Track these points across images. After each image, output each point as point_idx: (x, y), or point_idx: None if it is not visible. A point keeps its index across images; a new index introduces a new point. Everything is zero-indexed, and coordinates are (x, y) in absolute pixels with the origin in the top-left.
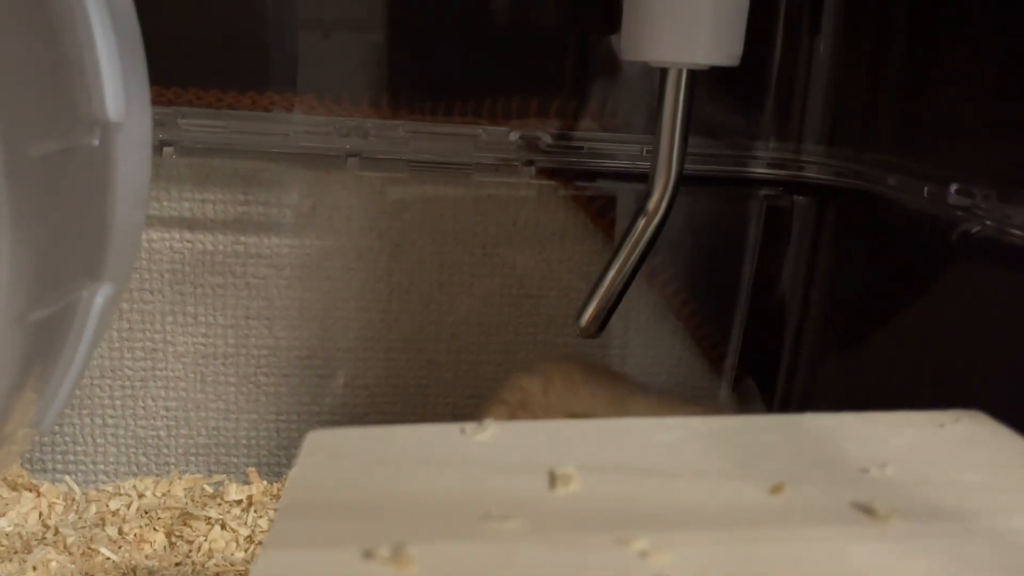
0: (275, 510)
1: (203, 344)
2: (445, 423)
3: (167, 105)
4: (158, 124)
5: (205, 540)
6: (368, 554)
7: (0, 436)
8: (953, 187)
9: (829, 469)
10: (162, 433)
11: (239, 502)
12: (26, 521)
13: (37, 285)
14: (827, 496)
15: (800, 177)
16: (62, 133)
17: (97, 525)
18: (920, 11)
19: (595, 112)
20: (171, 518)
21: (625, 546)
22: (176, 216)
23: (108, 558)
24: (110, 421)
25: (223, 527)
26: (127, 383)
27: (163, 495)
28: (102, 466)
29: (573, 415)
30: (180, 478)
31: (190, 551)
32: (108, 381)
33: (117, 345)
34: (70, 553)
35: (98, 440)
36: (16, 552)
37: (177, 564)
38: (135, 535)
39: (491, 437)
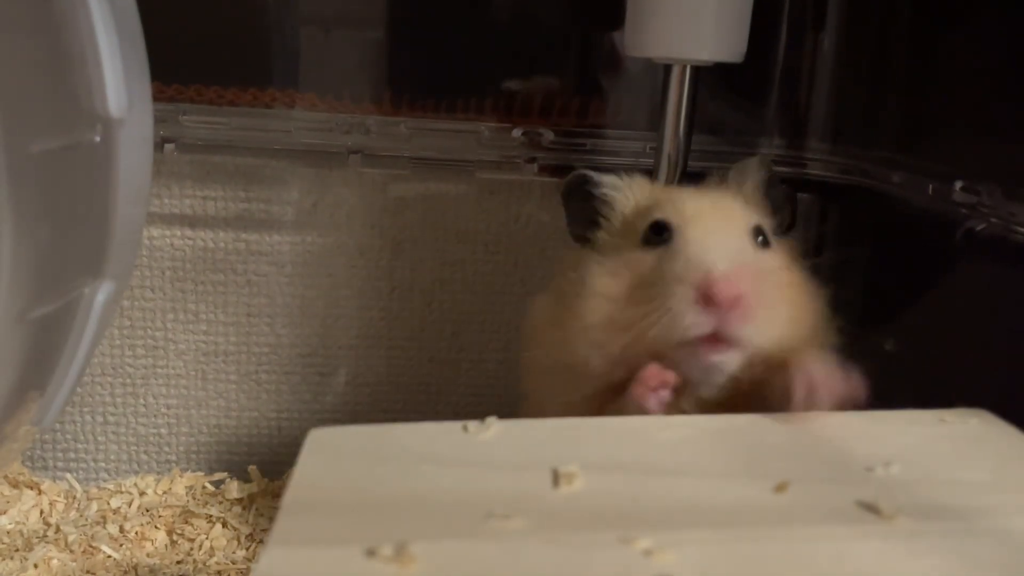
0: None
1: (204, 342)
2: (447, 421)
3: (168, 102)
4: (159, 121)
5: (206, 538)
6: (371, 552)
7: (2, 434)
8: (958, 184)
9: (834, 468)
10: (163, 431)
11: (240, 500)
12: (27, 519)
13: (38, 282)
14: (832, 495)
15: (803, 174)
16: (64, 130)
17: (98, 523)
18: (925, 7)
19: (598, 109)
20: (172, 516)
21: (628, 545)
22: (177, 213)
23: (109, 556)
24: (111, 419)
25: (224, 525)
26: (128, 381)
27: (164, 493)
28: (103, 464)
29: None
30: (181, 476)
31: (191, 549)
32: (109, 379)
33: (118, 343)
34: (71, 551)
35: (99, 438)
36: (17, 550)
37: (178, 562)
38: (136, 533)
39: (494, 435)
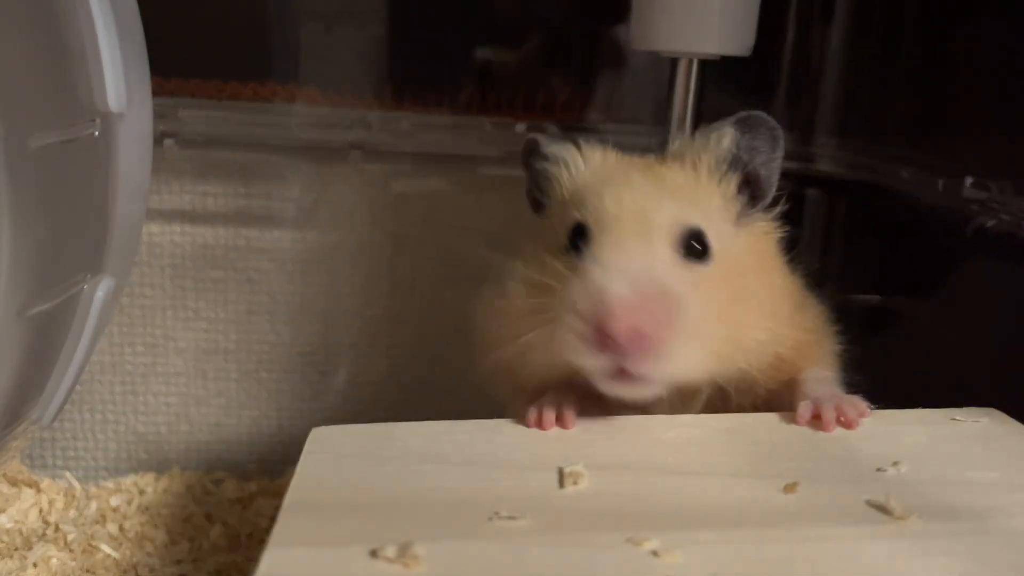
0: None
1: (204, 339)
2: (450, 420)
3: (168, 96)
4: (158, 115)
5: (206, 537)
6: (374, 553)
7: (3, 432)
8: (968, 180)
9: (843, 467)
10: (163, 429)
11: (240, 499)
12: (26, 518)
13: (38, 278)
14: (841, 495)
15: (811, 169)
16: (63, 124)
17: (98, 522)
18: (934, 1)
19: (603, 103)
20: (172, 515)
21: (636, 546)
22: (176, 209)
23: (109, 555)
24: (111, 417)
25: (224, 524)
26: (127, 379)
27: (164, 492)
28: (103, 462)
29: None
30: (181, 474)
31: (191, 548)
32: (108, 376)
33: (117, 340)
34: (71, 550)
35: (99, 436)
36: (17, 549)
37: (178, 561)
38: (136, 532)
39: (498, 435)
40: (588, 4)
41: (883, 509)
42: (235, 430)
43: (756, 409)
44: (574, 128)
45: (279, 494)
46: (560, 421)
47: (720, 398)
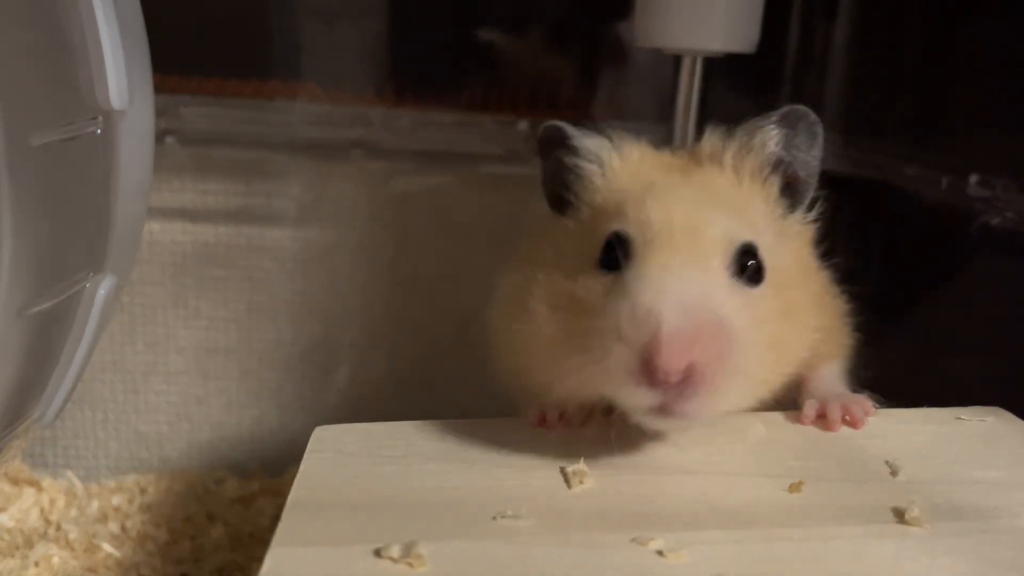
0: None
1: (205, 338)
2: (453, 419)
3: (169, 93)
4: (159, 113)
5: (208, 536)
6: (378, 552)
7: (5, 431)
8: (973, 178)
9: (848, 467)
10: (164, 428)
11: (241, 498)
12: (28, 517)
13: (39, 277)
14: (846, 494)
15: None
16: (65, 122)
17: (99, 521)
18: None
19: (606, 101)
20: (173, 514)
21: (641, 546)
22: (177, 207)
23: (111, 554)
24: (111, 416)
25: (225, 523)
26: (128, 377)
27: (165, 491)
28: (103, 461)
29: None
30: (182, 473)
31: (192, 547)
32: (109, 375)
33: (118, 339)
34: (72, 549)
35: (99, 435)
36: (18, 548)
37: (180, 560)
38: (137, 531)
39: (502, 434)
40: (592, 1)
41: (888, 508)
42: (236, 429)
43: (761, 406)
44: (578, 125)
45: (280, 493)
46: (564, 421)
47: None
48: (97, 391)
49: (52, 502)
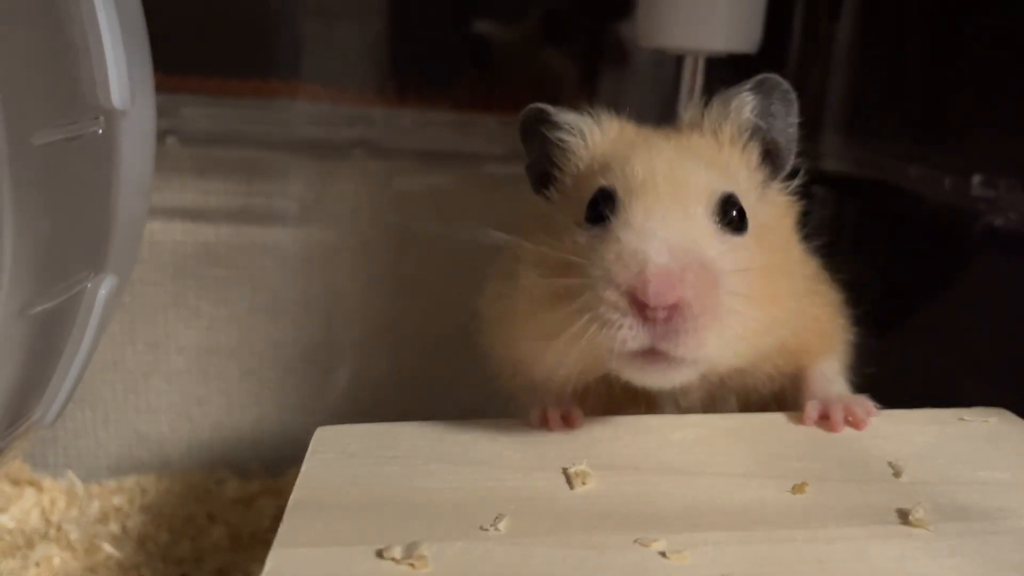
0: (280, 507)
1: (206, 338)
2: (455, 420)
3: (170, 93)
4: (160, 112)
5: (208, 537)
6: (380, 553)
7: (6, 431)
8: (976, 178)
9: (852, 468)
10: (164, 428)
11: (242, 499)
12: (28, 517)
13: (40, 277)
14: (850, 495)
15: (818, 167)
16: (67, 122)
17: (100, 521)
18: None
19: (608, 101)
20: (174, 514)
21: (644, 547)
22: (178, 207)
23: (111, 555)
24: (112, 416)
25: (226, 524)
26: (129, 377)
27: (166, 491)
28: (104, 461)
29: None
30: (183, 474)
31: (193, 548)
32: (110, 375)
33: (119, 339)
34: (73, 549)
35: (100, 435)
36: (19, 548)
37: (180, 561)
38: (138, 532)
39: (504, 435)
40: (594, 1)
41: (892, 509)
42: (237, 429)
43: (758, 406)
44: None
45: (281, 494)
46: (566, 421)
47: (720, 395)
48: (98, 391)
49: (53, 503)
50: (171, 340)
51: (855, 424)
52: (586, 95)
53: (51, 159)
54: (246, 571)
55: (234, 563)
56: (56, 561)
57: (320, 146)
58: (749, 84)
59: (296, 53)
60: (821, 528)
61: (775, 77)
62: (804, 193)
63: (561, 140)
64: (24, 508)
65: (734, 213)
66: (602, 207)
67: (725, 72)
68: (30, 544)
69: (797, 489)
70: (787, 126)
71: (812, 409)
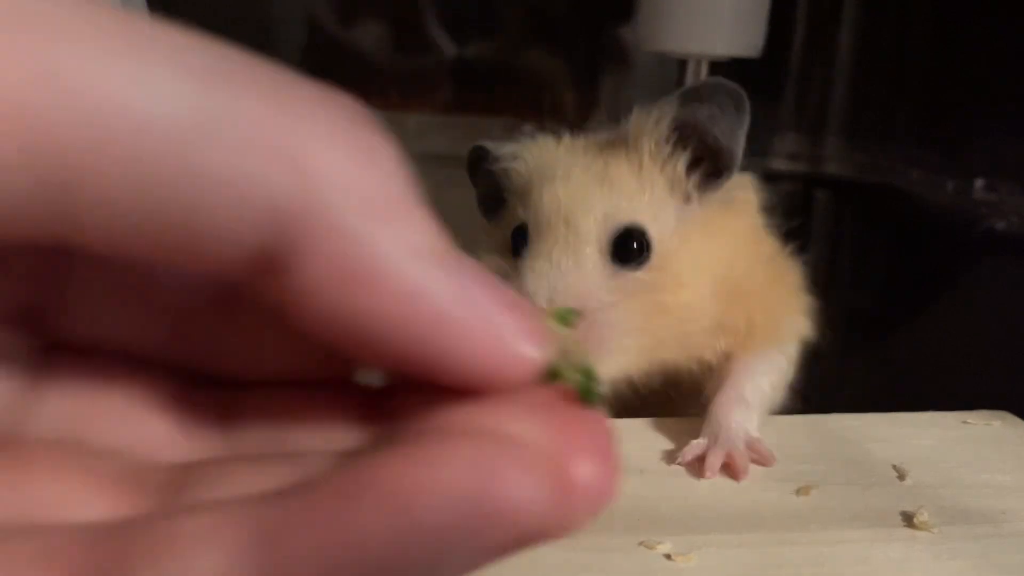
0: None
1: None
2: None
3: None
4: None
5: None
6: None
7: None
8: (978, 182)
9: (856, 470)
10: None
11: None
12: None
13: None
14: (854, 498)
15: (820, 171)
16: None
17: None
18: (943, 2)
19: (610, 105)
20: None
21: (649, 549)
22: None
23: None
24: None
25: None
26: None
27: None
28: None
29: None
30: None
31: None
32: None
33: None
34: None
35: None
36: None
37: None
38: None
39: None
40: (596, 5)
41: (896, 512)
42: None
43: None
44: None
45: None
46: None
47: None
48: None
49: None
50: None
51: (733, 475)
52: (589, 98)
53: None
54: None
55: None
56: None
57: None
58: (680, 91)
59: (296, 53)
60: (826, 531)
61: (719, 81)
62: (806, 196)
63: (504, 171)
64: None
65: (634, 245)
66: (518, 242)
67: (728, 76)
68: None
69: (802, 492)
70: (733, 128)
71: (689, 451)
